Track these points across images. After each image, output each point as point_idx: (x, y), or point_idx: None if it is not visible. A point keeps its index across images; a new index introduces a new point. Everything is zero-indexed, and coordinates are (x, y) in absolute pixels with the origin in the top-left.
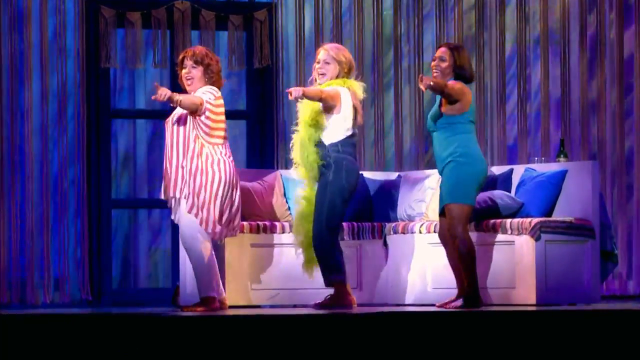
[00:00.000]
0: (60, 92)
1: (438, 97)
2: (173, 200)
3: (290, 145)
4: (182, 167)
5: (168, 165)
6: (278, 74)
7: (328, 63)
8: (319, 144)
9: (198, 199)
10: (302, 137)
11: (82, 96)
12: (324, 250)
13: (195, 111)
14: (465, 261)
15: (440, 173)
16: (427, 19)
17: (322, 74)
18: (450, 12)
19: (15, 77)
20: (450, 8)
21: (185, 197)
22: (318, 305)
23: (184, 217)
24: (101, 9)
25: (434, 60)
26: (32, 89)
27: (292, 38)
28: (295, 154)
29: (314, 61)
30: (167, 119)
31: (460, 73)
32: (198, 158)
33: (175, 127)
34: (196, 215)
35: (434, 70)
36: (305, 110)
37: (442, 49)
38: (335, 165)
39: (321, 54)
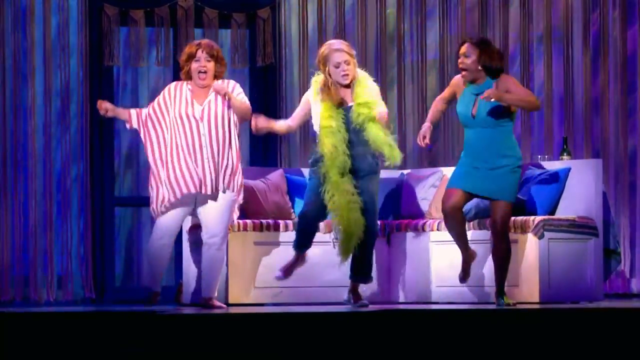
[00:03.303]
0: (64, 90)
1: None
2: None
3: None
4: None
5: (213, 161)
6: (281, 72)
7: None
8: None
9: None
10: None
11: (85, 94)
12: (372, 249)
13: (243, 117)
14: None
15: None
16: (430, 16)
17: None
18: (453, 10)
19: (19, 75)
20: (454, 5)
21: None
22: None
23: (227, 211)
24: (104, 7)
25: (459, 58)
26: (35, 86)
27: (295, 36)
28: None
29: (341, 62)
30: (192, 114)
31: (489, 67)
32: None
33: (212, 124)
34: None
35: (461, 66)
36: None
37: (465, 45)
38: (379, 158)
39: (344, 56)
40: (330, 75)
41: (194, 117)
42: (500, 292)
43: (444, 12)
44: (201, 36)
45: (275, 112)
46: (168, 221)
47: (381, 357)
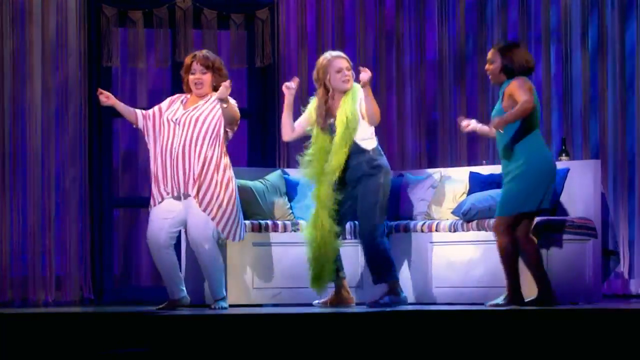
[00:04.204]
0: (62, 91)
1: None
2: (195, 199)
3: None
4: (213, 168)
5: (183, 163)
6: (279, 73)
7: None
8: (356, 145)
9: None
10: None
11: (84, 95)
12: (378, 250)
13: (230, 123)
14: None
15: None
16: (429, 16)
17: (347, 80)
18: (452, 10)
19: (17, 75)
20: (453, 6)
21: (211, 198)
22: (372, 304)
23: (202, 216)
24: (103, 8)
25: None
26: (33, 87)
27: (294, 37)
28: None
29: (338, 70)
30: (172, 118)
31: (510, 70)
32: (224, 162)
33: (185, 126)
34: (213, 216)
35: (488, 74)
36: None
37: (490, 51)
38: (385, 167)
39: (345, 63)
40: (330, 82)
41: (173, 121)
42: (542, 294)
43: (443, 12)
44: (200, 37)
45: (274, 112)
46: (152, 232)
47: (381, 358)
